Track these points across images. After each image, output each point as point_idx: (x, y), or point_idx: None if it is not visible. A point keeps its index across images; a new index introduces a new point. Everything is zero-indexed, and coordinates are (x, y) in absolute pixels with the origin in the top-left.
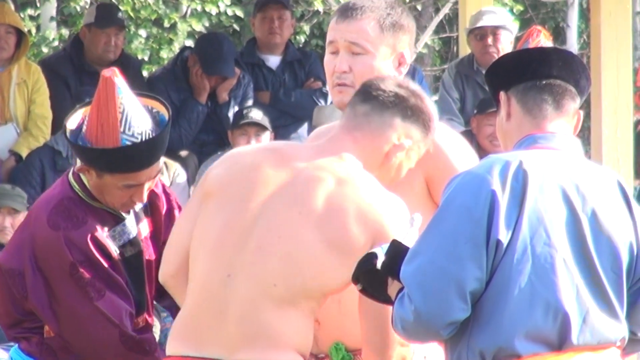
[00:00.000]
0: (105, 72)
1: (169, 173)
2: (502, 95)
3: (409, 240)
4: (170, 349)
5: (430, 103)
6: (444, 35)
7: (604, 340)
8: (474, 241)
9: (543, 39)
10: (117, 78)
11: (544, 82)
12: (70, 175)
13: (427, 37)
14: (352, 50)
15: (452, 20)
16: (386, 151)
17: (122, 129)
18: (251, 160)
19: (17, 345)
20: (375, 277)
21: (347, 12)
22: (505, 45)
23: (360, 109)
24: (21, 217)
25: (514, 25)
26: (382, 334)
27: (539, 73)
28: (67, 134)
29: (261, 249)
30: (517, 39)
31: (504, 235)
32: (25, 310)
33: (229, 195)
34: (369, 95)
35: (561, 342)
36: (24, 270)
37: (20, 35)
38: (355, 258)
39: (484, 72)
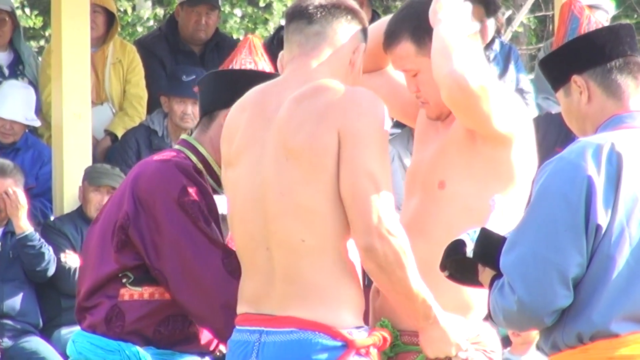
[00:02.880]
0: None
1: None
2: (578, 79)
3: (494, 223)
4: (238, 310)
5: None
6: (540, 14)
7: None
8: (573, 228)
9: (587, 10)
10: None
11: (620, 61)
12: (181, 146)
13: (523, 15)
14: (408, 73)
15: None
16: (350, 59)
17: None
18: (235, 125)
19: (79, 328)
20: (463, 265)
21: (385, 39)
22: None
23: (310, 31)
24: None
25: (610, 5)
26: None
27: (615, 53)
28: None
29: (276, 214)
30: (550, 17)
31: (603, 219)
32: (111, 268)
33: (236, 167)
34: (310, 16)
35: None
36: (128, 208)
37: (110, 15)
38: (327, 163)
39: None
